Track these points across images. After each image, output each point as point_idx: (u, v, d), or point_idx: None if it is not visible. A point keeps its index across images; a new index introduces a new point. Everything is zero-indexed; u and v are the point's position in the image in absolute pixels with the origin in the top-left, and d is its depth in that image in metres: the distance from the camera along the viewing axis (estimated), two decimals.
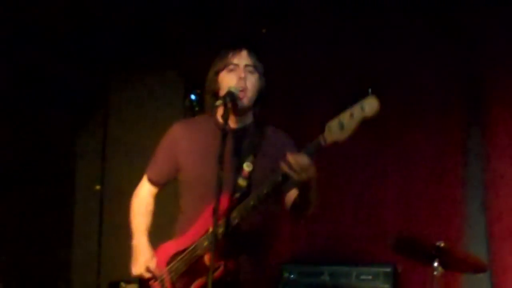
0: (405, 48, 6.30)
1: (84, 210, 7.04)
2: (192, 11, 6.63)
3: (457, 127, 6.20)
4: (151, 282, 3.90)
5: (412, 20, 6.27)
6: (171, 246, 3.90)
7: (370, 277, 5.69)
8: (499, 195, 5.98)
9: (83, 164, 7.13)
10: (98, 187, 6.99)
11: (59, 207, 6.96)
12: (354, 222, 6.36)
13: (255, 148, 3.83)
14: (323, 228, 6.34)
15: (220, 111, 3.81)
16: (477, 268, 5.17)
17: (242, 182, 3.75)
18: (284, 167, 3.47)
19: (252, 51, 3.88)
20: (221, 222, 3.60)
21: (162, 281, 3.86)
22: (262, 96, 3.91)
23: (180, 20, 6.77)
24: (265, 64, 3.93)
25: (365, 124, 6.02)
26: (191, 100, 6.37)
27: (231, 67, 3.82)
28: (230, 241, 3.63)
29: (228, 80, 3.81)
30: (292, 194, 3.76)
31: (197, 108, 6.27)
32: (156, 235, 4.04)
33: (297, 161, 3.45)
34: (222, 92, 3.80)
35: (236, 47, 3.86)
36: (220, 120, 3.80)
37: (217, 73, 3.87)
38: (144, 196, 4.12)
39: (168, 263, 3.86)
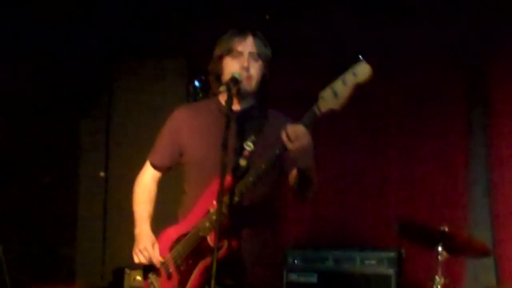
0: (408, 28, 6.29)
1: (88, 197, 7.04)
2: None
3: (460, 111, 6.21)
4: (156, 271, 3.92)
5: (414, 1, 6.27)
6: (173, 231, 3.90)
7: (374, 262, 5.70)
8: (503, 179, 5.98)
9: (87, 151, 7.13)
10: (102, 173, 6.99)
11: (63, 194, 6.97)
12: (358, 207, 6.37)
13: (257, 129, 3.83)
14: (327, 214, 6.36)
15: (223, 95, 3.82)
16: (481, 252, 5.18)
17: (242, 162, 3.74)
18: (284, 136, 3.47)
19: (258, 38, 3.87)
20: (223, 202, 3.59)
21: (166, 266, 3.87)
22: (265, 81, 3.91)
23: (183, 7, 6.76)
24: (271, 49, 3.93)
25: (367, 107, 6.10)
26: (195, 87, 6.37)
27: (235, 54, 3.81)
28: (232, 220, 3.62)
29: (231, 67, 3.80)
30: (294, 174, 3.76)
31: (201, 95, 6.28)
32: (163, 221, 4.04)
33: (294, 130, 3.45)
34: (225, 77, 3.81)
35: (241, 33, 3.85)
36: (223, 103, 3.81)
37: (221, 57, 3.86)
38: (147, 182, 4.11)
39: (171, 248, 3.86)
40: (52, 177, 6.79)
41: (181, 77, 6.80)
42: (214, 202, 3.67)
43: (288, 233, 6.29)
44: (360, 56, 3.41)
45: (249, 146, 3.78)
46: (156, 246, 3.90)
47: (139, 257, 3.93)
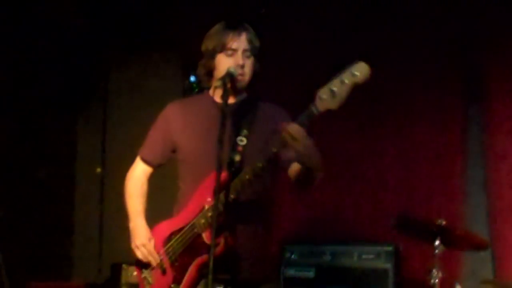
0: (405, 26, 6.29)
1: (85, 193, 7.04)
2: None
3: (457, 105, 6.20)
4: (151, 264, 3.91)
5: None
6: (166, 226, 3.90)
7: (371, 256, 5.69)
8: (499, 173, 5.98)
9: (84, 148, 7.13)
10: (99, 169, 7.00)
11: (60, 190, 6.97)
12: (355, 201, 6.37)
13: (249, 122, 3.83)
14: (324, 208, 6.35)
15: (217, 92, 3.83)
16: (478, 245, 5.18)
17: (236, 157, 3.73)
18: (288, 137, 3.45)
19: (250, 33, 3.86)
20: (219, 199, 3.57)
21: (160, 262, 3.86)
22: (256, 75, 3.89)
23: (179, 2, 6.76)
24: (261, 43, 3.92)
25: (365, 102, 6.10)
26: (190, 82, 6.37)
27: (229, 52, 3.79)
28: (228, 217, 3.61)
29: (225, 64, 3.78)
30: (295, 170, 3.75)
31: (196, 90, 6.28)
32: (156, 218, 4.03)
33: (289, 131, 3.43)
34: (219, 73, 3.79)
35: (235, 29, 3.83)
36: (215, 98, 3.83)
37: (213, 53, 3.83)
38: (138, 177, 4.10)
39: (165, 244, 3.86)
40: (48, 173, 6.79)
41: (177, 72, 6.81)
42: (209, 199, 3.67)
43: (285, 228, 6.29)
44: (358, 57, 3.40)
45: (241, 140, 3.77)
46: (153, 241, 3.90)
47: (136, 253, 3.93)
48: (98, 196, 6.92)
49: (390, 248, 5.67)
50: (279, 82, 6.20)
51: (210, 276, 3.31)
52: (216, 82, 3.74)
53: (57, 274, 6.76)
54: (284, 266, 5.88)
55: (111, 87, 7.05)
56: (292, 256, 5.89)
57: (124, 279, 5.95)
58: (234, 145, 3.75)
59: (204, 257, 3.68)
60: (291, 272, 5.86)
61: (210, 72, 3.89)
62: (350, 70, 3.39)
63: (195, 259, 3.74)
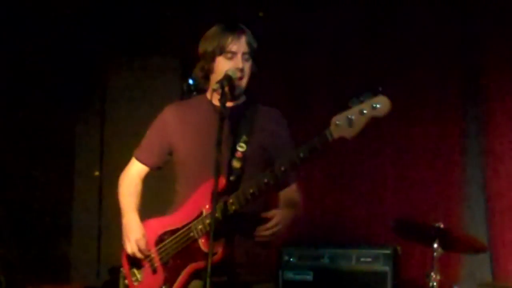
0: (404, 27, 6.30)
1: (83, 196, 7.03)
2: None
3: (456, 106, 6.21)
4: (141, 263, 3.88)
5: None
6: (158, 224, 3.87)
7: (370, 259, 5.69)
8: (498, 175, 5.98)
9: (82, 151, 7.12)
10: (97, 173, 6.99)
11: (58, 193, 6.96)
12: (354, 204, 6.37)
13: (248, 127, 3.80)
14: (322, 211, 6.35)
15: (214, 95, 3.76)
16: (477, 248, 5.19)
17: (236, 163, 3.72)
18: (263, 183, 3.56)
19: (249, 36, 3.83)
20: (218, 206, 3.56)
21: (151, 260, 3.84)
22: (252, 77, 3.87)
23: (178, 5, 6.76)
24: (258, 46, 3.91)
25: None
26: (189, 85, 6.35)
27: (229, 55, 3.76)
28: (226, 226, 3.61)
29: (224, 68, 3.75)
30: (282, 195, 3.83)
31: (195, 93, 6.25)
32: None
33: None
34: (217, 76, 3.76)
35: (234, 32, 3.80)
36: (213, 100, 3.80)
37: (213, 56, 3.80)
38: (132, 176, 4.06)
39: (156, 243, 3.84)
40: (46, 175, 6.78)
41: (175, 75, 6.80)
42: (207, 206, 3.66)
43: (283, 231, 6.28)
44: (380, 89, 3.39)
45: (241, 147, 3.75)
46: (145, 238, 3.86)
47: (128, 249, 3.88)
48: (96, 199, 6.90)
49: (388, 251, 5.67)
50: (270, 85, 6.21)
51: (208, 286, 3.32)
52: (214, 85, 3.70)
53: (55, 277, 6.74)
54: (282, 269, 5.87)
55: (109, 90, 7.04)
56: (291, 259, 5.88)
57: (122, 283, 5.92)
58: (233, 151, 3.74)
59: (199, 263, 3.66)
60: (290, 275, 5.85)
61: (208, 75, 3.86)
62: (371, 102, 3.37)
63: (188, 264, 3.72)
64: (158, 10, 6.77)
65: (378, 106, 3.36)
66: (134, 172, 4.07)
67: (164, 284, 3.78)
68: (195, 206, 3.74)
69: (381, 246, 5.72)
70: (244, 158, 3.73)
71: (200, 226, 3.68)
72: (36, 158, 6.71)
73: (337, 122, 3.40)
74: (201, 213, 3.70)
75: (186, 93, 6.39)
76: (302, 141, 3.76)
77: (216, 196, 3.44)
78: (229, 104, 3.76)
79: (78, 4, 6.65)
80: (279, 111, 3.97)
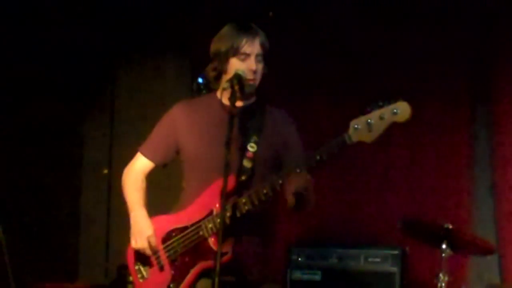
0: (411, 27, 6.29)
1: (92, 194, 7.05)
2: None
3: (464, 108, 6.19)
4: (148, 260, 3.87)
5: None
6: (165, 221, 3.86)
7: (378, 259, 5.69)
8: (507, 176, 5.97)
9: (91, 148, 7.14)
10: (106, 170, 7.00)
11: (67, 191, 6.98)
12: (362, 205, 6.36)
13: (258, 128, 3.80)
14: (331, 211, 6.34)
15: (225, 94, 3.78)
16: (485, 250, 5.18)
17: (247, 163, 3.72)
18: (277, 183, 3.54)
19: (262, 37, 3.82)
20: (228, 205, 3.57)
21: (158, 258, 3.84)
22: (263, 77, 3.86)
23: (188, 3, 6.76)
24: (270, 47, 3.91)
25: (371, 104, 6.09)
26: (198, 83, 6.35)
27: (242, 56, 3.75)
28: (237, 225, 3.61)
29: (238, 68, 3.75)
30: (291, 196, 3.73)
31: (204, 91, 6.25)
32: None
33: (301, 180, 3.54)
34: (229, 77, 3.75)
35: (249, 33, 3.78)
36: (222, 99, 3.80)
37: (226, 57, 3.78)
38: (136, 172, 4.03)
39: (164, 240, 3.83)
40: (55, 174, 6.79)
41: (184, 74, 6.81)
42: (218, 205, 3.66)
43: (292, 230, 6.28)
44: (401, 97, 3.39)
45: (252, 147, 3.75)
46: (155, 235, 3.86)
47: (139, 244, 3.85)
48: (105, 197, 6.91)
49: (396, 251, 5.67)
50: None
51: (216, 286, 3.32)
52: (224, 84, 3.70)
53: (63, 275, 6.76)
54: (290, 268, 5.88)
55: (119, 88, 7.05)
56: (299, 259, 5.89)
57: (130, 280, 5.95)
58: (243, 151, 3.73)
59: (209, 262, 3.66)
60: (298, 274, 5.86)
61: (219, 75, 3.86)
62: (392, 107, 3.38)
63: (197, 262, 3.73)
64: (168, 9, 6.77)
65: (398, 111, 3.38)
66: (139, 168, 4.04)
67: (172, 282, 3.78)
68: (204, 204, 3.74)
69: (389, 247, 5.72)
70: (254, 158, 3.73)
71: (210, 225, 3.68)
72: (45, 156, 6.72)
73: (356, 126, 3.41)
74: (211, 212, 3.70)
75: (196, 92, 6.40)
76: (306, 141, 3.79)
77: (225, 195, 3.44)
78: (239, 104, 3.78)
79: (88, 3, 6.66)
80: (287, 113, 3.98)
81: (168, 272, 3.81)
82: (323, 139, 3.53)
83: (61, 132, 6.86)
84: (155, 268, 3.86)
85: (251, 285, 3.80)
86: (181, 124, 3.92)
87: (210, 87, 4.03)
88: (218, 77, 3.87)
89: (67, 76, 6.72)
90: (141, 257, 3.90)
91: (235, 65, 3.76)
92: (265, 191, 3.58)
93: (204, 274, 3.73)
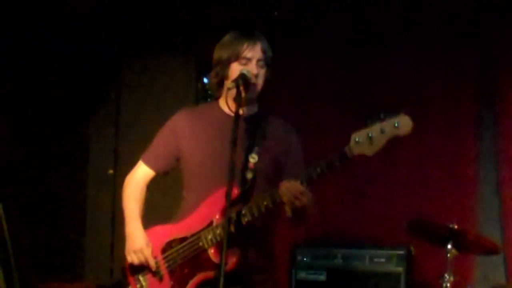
0: (416, 28, 6.30)
1: (97, 195, 7.04)
2: None
3: (469, 108, 6.19)
4: (145, 271, 3.88)
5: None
6: (164, 231, 3.86)
7: (383, 259, 5.69)
8: None
9: (96, 149, 7.13)
10: (111, 171, 7.00)
11: (72, 191, 6.98)
12: (367, 204, 6.36)
13: (260, 139, 3.80)
14: (336, 211, 6.34)
15: (229, 95, 3.76)
16: (490, 250, 5.17)
17: (248, 174, 3.71)
18: (277, 195, 3.51)
19: (265, 43, 3.82)
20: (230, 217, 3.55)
21: (157, 268, 3.83)
22: (267, 85, 3.85)
23: (192, 4, 6.76)
24: (274, 52, 3.90)
25: (378, 108, 6.08)
26: (204, 83, 6.37)
27: (243, 61, 3.76)
28: (236, 237, 3.60)
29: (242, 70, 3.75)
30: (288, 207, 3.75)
31: (209, 92, 6.27)
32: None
33: (289, 189, 3.48)
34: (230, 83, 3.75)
35: (250, 38, 3.79)
36: (226, 106, 3.79)
37: (228, 62, 3.79)
38: (138, 181, 4.04)
39: (163, 251, 3.83)
40: (60, 174, 6.80)
41: (190, 74, 6.80)
42: (217, 216, 3.65)
43: (297, 231, 6.28)
44: (403, 110, 3.39)
45: (253, 158, 3.74)
46: (150, 246, 3.85)
47: (132, 257, 3.88)
48: (110, 197, 6.91)
49: (402, 252, 5.67)
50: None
51: None
52: (229, 84, 3.69)
53: (68, 275, 6.76)
54: (295, 268, 5.89)
55: (124, 89, 7.05)
56: (304, 259, 5.89)
57: None
58: (245, 161, 3.73)
59: (208, 273, 3.67)
60: (303, 275, 5.86)
61: (222, 81, 3.86)
62: (393, 121, 3.41)
63: (197, 273, 3.72)
64: (173, 9, 6.77)
65: (399, 125, 3.40)
66: (140, 176, 4.05)
67: None
68: (204, 215, 3.74)
69: (394, 247, 5.72)
70: (255, 169, 3.73)
71: (210, 236, 3.68)
72: (50, 157, 6.73)
73: (357, 139, 3.42)
74: (211, 222, 3.70)
75: (201, 92, 6.41)
76: (308, 152, 3.79)
77: (230, 202, 3.42)
78: (242, 113, 3.73)
79: (93, 3, 6.66)
80: (290, 124, 3.97)
81: (167, 283, 3.81)
82: (325, 151, 3.53)
83: (66, 132, 6.86)
84: (154, 278, 3.85)
85: None
86: (183, 132, 3.92)
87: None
88: (220, 83, 3.87)
89: (73, 76, 6.72)
90: (140, 268, 3.89)
91: (236, 70, 3.75)
92: (265, 203, 3.58)
93: (203, 284, 3.73)
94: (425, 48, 6.26)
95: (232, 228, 3.56)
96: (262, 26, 3.94)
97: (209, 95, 6.15)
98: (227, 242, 3.39)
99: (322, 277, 5.80)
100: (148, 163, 4.02)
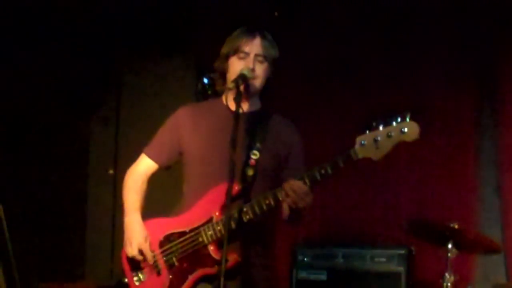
0: (416, 26, 6.29)
1: (97, 195, 7.05)
2: None
3: (470, 109, 6.19)
4: (143, 264, 3.86)
5: None
6: (162, 225, 3.85)
7: (384, 259, 5.68)
8: None
9: (96, 149, 7.14)
10: (111, 171, 7.00)
11: (73, 191, 6.98)
12: (368, 204, 6.36)
13: (262, 136, 3.80)
14: (336, 211, 6.34)
15: (229, 95, 3.79)
16: (491, 249, 5.17)
17: (249, 171, 3.72)
18: (280, 194, 3.51)
19: (265, 39, 3.84)
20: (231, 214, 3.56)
21: (155, 262, 3.82)
22: (269, 83, 3.87)
23: (192, 4, 6.76)
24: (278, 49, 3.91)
25: (376, 103, 6.08)
26: (203, 84, 6.36)
27: (241, 55, 3.78)
28: (238, 233, 3.60)
29: (236, 67, 3.78)
30: (287, 211, 3.72)
31: (209, 92, 6.27)
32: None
33: (294, 189, 3.48)
34: (231, 76, 3.78)
35: (249, 34, 3.82)
36: (228, 103, 3.80)
37: (227, 56, 3.83)
38: (139, 173, 4.04)
39: (161, 244, 3.82)
40: (61, 174, 6.80)
41: (190, 74, 6.81)
42: (217, 213, 3.65)
43: (297, 230, 6.28)
44: (409, 115, 3.39)
45: (255, 154, 3.75)
46: (149, 239, 3.84)
47: (130, 250, 3.85)
48: (110, 198, 6.91)
49: (402, 251, 5.66)
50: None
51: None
52: (229, 84, 3.71)
53: (69, 275, 6.76)
54: (296, 268, 5.88)
55: (124, 88, 7.05)
56: (305, 259, 5.89)
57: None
58: (246, 158, 3.73)
59: (208, 269, 3.67)
60: (303, 274, 5.86)
61: (223, 75, 3.88)
62: (400, 126, 3.40)
63: (196, 268, 3.72)
64: (173, 10, 6.77)
65: (406, 131, 3.39)
66: (142, 169, 4.05)
67: (169, 287, 3.77)
68: (204, 210, 3.73)
69: (395, 246, 5.72)
70: (256, 165, 3.73)
71: (210, 232, 3.68)
72: (51, 156, 6.73)
73: (363, 142, 3.42)
74: (211, 218, 3.70)
75: (201, 92, 6.41)
76: (311, 154, 3.79)
77: (229, 203, 3.42)
78: (244, 109, 3.78)
79: (94, 4, 6.66)
80: (291, 122, 3.98)
81: (165, 277, 3.79)
82: (329, 153, 3.54)
83: (66, 132, 6.86)
84: (152, 272, 3.83)
85: None
86: (185, 127, 3.93)
87: (215, 88, 4.04)
88: (222, 77, 3.89)
89: (73, 77, 6.72)
90: (137, 260, 3.87)
91: (234, 64, 3.79)
92: (267, 201, 3.58)
93: (203, 279, 3.72)
94: (425, 48, 6.26)
95: (233, 225, 3.56)
96: (262, 26, 3.91)
97: (209, 96, 6.15)
98: (228, 239, 3.39)
99: (323, 277, 5.80)
100: (151, 156, 4.02)
